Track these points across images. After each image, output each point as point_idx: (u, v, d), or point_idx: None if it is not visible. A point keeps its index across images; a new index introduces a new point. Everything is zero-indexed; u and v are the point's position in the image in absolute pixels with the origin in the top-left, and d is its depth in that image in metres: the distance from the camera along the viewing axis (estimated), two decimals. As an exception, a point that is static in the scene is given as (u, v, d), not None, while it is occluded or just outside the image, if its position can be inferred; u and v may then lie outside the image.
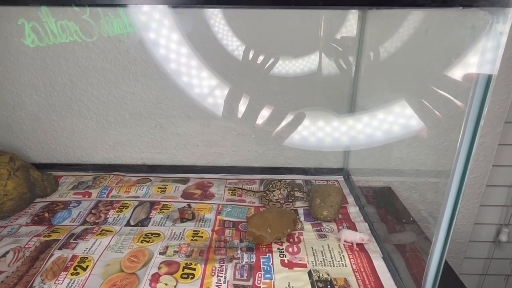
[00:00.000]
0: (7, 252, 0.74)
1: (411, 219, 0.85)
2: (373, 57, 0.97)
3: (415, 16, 0.79)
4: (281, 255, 0.76)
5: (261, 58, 1.04)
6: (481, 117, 0.45)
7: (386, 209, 0.96)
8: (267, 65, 1.04)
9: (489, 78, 0.43)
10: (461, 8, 0.38)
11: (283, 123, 1.06)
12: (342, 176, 1.13)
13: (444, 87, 0.74)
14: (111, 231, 0.83)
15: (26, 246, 0.76)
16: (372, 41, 0.95)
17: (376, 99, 0.98)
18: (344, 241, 0.80)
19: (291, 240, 0.82)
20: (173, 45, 0.96)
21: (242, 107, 1.06)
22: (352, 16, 0.99)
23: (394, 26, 0.84)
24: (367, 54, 0.98)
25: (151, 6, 0.90)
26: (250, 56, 1.03)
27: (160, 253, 0.75)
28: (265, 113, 1.08)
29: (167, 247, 0.77)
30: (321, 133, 1.04)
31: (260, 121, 1.09)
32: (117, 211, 0.91)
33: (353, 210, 0.95)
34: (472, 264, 1.34)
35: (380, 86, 0.98)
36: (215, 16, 0.99)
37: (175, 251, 0.76)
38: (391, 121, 0.94)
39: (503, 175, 1.18)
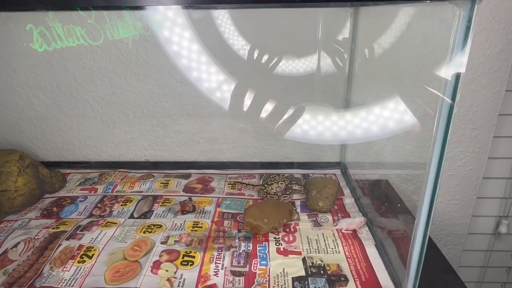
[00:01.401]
0: (18, 243, 0.79)
1: (399, 205, 0.88)
2: (366, 54, 1.00)
3: (405, 12, 0.82)
4: (277, 244, 0.80)
5: (265, 57, 1.07)
6: (453, 109, 0.48)
7: (381, 200, 0.98)
8: (271, 64, 1.08)
9: (458, 73, 0.45)
10: (428, 1, 0.40)
11: (282, 118, 1.10)
12: (339, 170, 1.16)
13: (430, 81, 0.76)
14: (116, 223, 0.87)
15: (35, 237, 0.81)
16: (364, 38, 0.97)
17: (370, 94, 1.01)
18: (346, 230, 0.83)
19: (287, 230, 0.85)
20: (174, 43, 1.00)
21: (243, 104, 1.10)
22: (347, 14, 1.02)
23: (384, 23, 0.87)
24: (360, 51, 1.01)
25: (155, 8, 0.94)
26: (249, 55, 1.06)
27: (162, 243, 0.79)
28: (265, 109, 1.11)
29: (168, 237, 0.81)
30: (318, 128, 1.08)
31: (261, 116, 1.12)
32: (122, 205, 0.96)
33: (348, 201, 0.98)
34: (472, 256, 1.35)
35: (373, 82, 1.01)
36: (222, 17, 1.03)
37: (175, 241, 0.80)
38: (384, 116, 0.96)
39: (499, 167, 1.19)
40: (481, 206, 1.26)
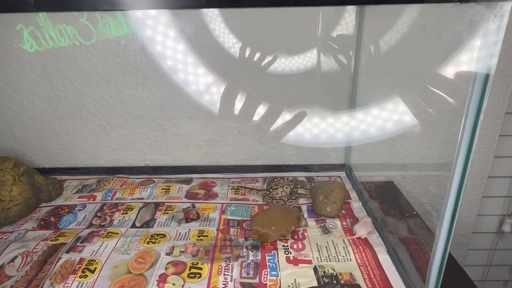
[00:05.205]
0: (16, 257, 0.75)
1: (414, 213, 0.86)
2: (372, 53, 0.97)
3: (413, 10, 0.80)
4: (286, 252, 0.77)
5: (259, 55, 1.04)
6: (480, 113, 0.46)
7: (389, 203, 0.96)
8: (264, 63, 1.05)
9: (487, 75, 0.43)
10: (458, 3, 0.38)
11: (284, 121, 1.07)
12: (344, 172, 1.14)
13: (442, 82, 0.74)
14: (117, 233, 0.83)
15: (34, 251, 0.77)
16: (370, 37, 0.95)
17: (376, 95, 0.98)
18: (362, 236, 0.81)
19: (296, 237, 0.83)
20: (171, 45, 0.97)
21: (242, 106, 1.07)
22: (350, 13, 0.99)
23: (392, 22, 0.84)
24: (366, 50, 0.99)
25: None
26: (248, 54, 1.03)
27: (167, 254, 0.76)
28: (265, 112, 1.09)
29: (173, 248, 0.78)
30: (322, 130, 1.05)
31: (257, 118, 1.09)
32: (122, 213, 0.92)
33: (356, 205, 0.95)
34: (476, 255, 1.35)
35: (380, 82, 0.99)
36: (212, 13, 0.99)
37: (181, 251, 0.77)
38: (390, 117, 0.94)
39: (505, 166, 1.18)
40: (485, 205, 1.25)
